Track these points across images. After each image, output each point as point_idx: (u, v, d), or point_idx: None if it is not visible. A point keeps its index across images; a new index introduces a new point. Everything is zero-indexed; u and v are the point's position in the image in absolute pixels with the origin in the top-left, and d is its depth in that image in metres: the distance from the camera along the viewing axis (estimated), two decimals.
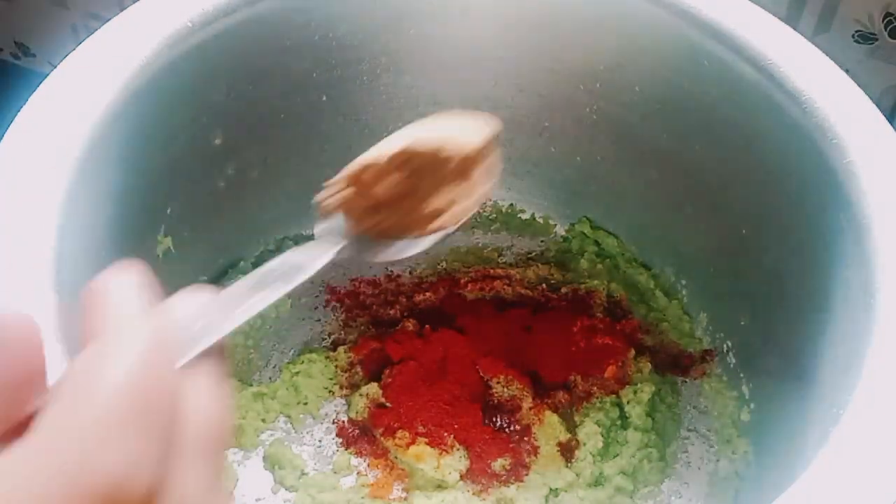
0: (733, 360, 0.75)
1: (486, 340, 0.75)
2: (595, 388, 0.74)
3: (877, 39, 0.75)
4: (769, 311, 0.69)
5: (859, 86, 0.60)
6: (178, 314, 0.33)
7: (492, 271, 0.82)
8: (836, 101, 0.59)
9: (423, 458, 0.69)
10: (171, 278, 0.74)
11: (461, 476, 0.69)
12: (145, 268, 0.31)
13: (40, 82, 0.57)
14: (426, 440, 0.70)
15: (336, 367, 0.75)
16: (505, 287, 0.80)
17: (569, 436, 0.71)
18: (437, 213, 0.48)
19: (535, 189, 0.85)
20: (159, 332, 0.29)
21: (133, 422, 0.26)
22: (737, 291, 0.74)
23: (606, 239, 0.83)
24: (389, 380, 0.73)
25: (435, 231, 0.48)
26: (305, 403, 0.73)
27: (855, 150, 0.57)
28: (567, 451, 0.71)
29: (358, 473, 0.70)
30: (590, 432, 0.71)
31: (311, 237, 0.84)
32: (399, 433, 0.70)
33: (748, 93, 0.64)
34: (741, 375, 0.74)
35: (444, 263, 0.83)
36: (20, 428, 0.27)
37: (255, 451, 0.71)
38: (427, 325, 0.76)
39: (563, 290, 0.79)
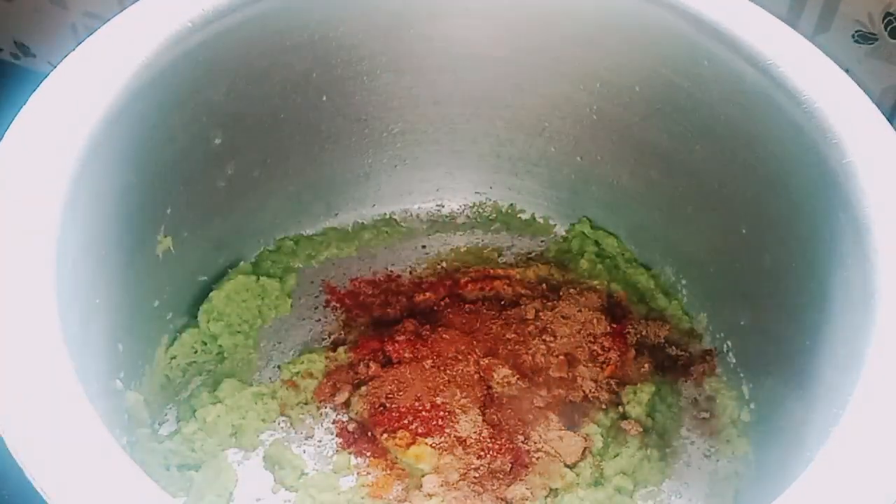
0: (733, 360, 0.75)
1: (486, 340, 0.75)
2: (595, 388, 0.74)
3: (877, 39, 0.75)
4: (769, 311, 0.69)
5: (859, 86, 0.60)
6: None
7: (492, 271, 0.82)
8: (836, 101, 0.59)
9: (423, 458, 0.69)
10: (171, 278, 0.75)
11: (461, 476, 0.69)
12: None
13: (40, 82, 0.57)
14: (426, 440, 0.70)
15: (336, 367, 0.75)
16: (505, 287, 0.80)
17: (570, 435, 0.71)
18: None
19: (535, 189, 0.85)
20: None
21: None
22: (737, 291, 0.74)
23: (606, 239, 0.83)
24: (388, 380, 0.73)
25: None
26: (305, 403, 0.73)
27: (855, 151, 0.57)
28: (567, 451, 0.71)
29: (358, 473, 0.70)
30: (590, 432, 0.71)
31: (310, 237, 0.85)
32: (399, 433, 0.70)
33: (748, 93, 0.64)
34: (741, 375, 0.74)
35: (444, 263, 0.83)
36: None
37: (255, 451, 0.71)
38: (427, 325, 0.76)
39: (563, 290, 0.79)
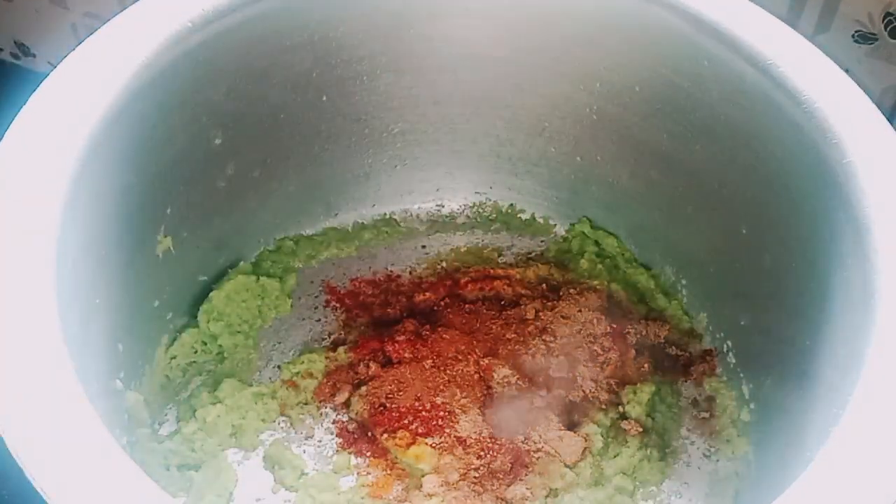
0: (733, 360, 0.75)
1: (486, 340, 0.75)
2: (595, 388, 0.74)
3: (877, 39, 0.75)
4: (769, 312, 0.69)
5: (859, 86, 0.60)
6: None
7: (492, 271, 0.82)
8: (836, 101, 0.59)
9: (423, 458, 0.69)
10: (171, 278, 0.75)
11: (461, 476, 0.69)
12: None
13: (40, 82, 0.57)
14: (426, 440, 0.70)
15: (336, 367, 0.75)
16: (505, 287, 0.80)
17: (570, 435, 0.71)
18: None
19: (535, 189, 0.85)
20: None
21: None
22: (737, 291, 0.74)
23: (606, 239, 0.83)
24: (388, 380, 0.73)
25: None
26: (305, 403, 0.73)
27: (855, 150, 0.57)
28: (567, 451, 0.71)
29: (358, 473, 0.70)
30: (590, 432, 0.71)
31: (310, 237, 0.85)
32: (399, 433, 0.70)
33: (748, 93, 0.64)
34: (741, 375, 0.74)
35: (444, 263, 0.83)
36: None
37: (255, 451, 0.71)
38: (427, 325, 0.76)
39: (563, 290, 0.79)
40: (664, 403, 0.74)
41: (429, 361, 0.74)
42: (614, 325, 0.77)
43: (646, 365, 0.76)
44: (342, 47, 0.72)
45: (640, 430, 0.72)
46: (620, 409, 0.73)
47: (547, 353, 0.75)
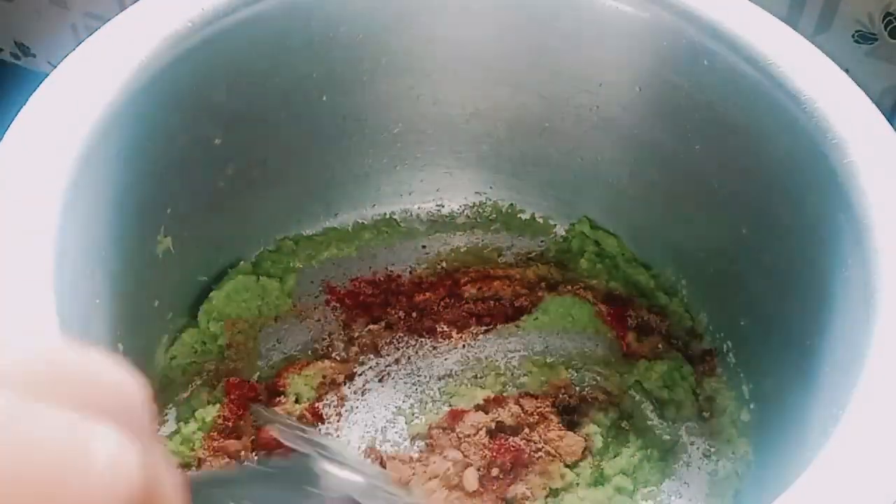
0: (733, 360, 0.75)
1: None
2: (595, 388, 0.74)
3: (877, 39, 0.75)
4: (769, 312, 0.69)
5: (859, 86, 0.60)
6: None
7: (492, 271, 0.82)
8: (836, 101, 0.59)
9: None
10: (171, 278, 0.75)
11: (461, 476, 0.69)
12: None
13: (40, 82, 0.57)
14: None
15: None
16: (505, 287, 0.80)
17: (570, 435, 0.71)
18: None
19: (535, 189, 0.85)
20: None
21: None
22: (737, 291, 0.74)
23: (606, 239, 0.83)
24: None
25: None
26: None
27: (855, 150, 0.57)
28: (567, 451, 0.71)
29: None
30: (590, 432, 0.71)
31: (310, 237, 0.85)
32: None
33: (748, 93, 0.64)
34: (741, 375, 0.74)
35: (444, 263, 0.83)
36: None
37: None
38: None
39: (563, 289, 0.79)
40: None
41: None
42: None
43: None
44: (342, 47, 0.72)
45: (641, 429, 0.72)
46: (621, 408, 0.73)
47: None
